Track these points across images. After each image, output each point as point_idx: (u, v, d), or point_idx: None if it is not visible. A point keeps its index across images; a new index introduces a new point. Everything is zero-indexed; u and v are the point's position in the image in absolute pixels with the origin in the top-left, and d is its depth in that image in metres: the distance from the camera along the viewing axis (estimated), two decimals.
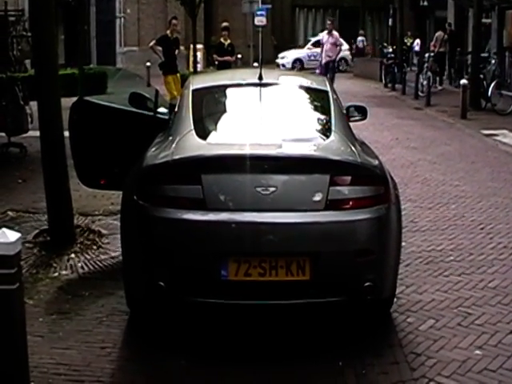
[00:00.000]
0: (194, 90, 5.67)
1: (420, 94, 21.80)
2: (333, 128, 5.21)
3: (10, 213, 7.99)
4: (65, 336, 4.96)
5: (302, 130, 5.26)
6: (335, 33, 21.39)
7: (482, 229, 7.78)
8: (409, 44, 32.28)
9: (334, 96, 5.74)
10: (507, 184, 10.05)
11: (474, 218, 8.23)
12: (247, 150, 4.65)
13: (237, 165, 4.57)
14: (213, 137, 5.14)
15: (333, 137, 5.11)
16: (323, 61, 21.30)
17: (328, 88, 5.84)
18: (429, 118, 17.96)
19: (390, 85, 26.05)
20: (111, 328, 5.11)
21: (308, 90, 6.03)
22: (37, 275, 6.10)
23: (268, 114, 5.42)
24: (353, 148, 4.97)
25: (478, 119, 16.94)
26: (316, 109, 5.79)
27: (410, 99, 21.97)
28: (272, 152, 4.70)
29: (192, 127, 5.12)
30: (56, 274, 6.14)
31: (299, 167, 4.65)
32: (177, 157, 4.72)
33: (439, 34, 26.14)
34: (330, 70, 21.22)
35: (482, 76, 19.30)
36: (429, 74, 21.89)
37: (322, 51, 21.98)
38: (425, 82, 21.69)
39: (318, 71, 21.99)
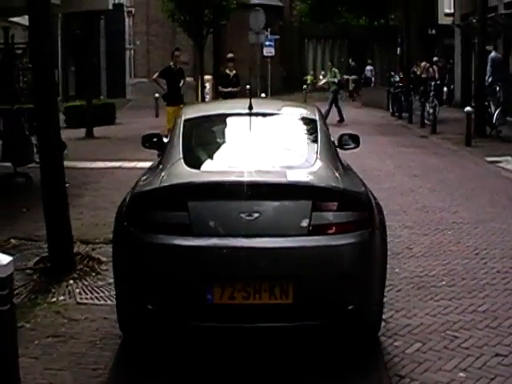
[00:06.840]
0: (185, 120, 5.85)
1: (426, 122, 21.95)
2: (318, 156, 5.35)
3: (12, 240, 8.17)
4: (58, 358, 5.09)
5: (288, 158, 5.41)
6: None
7: (476, 254, 7.83)
8: (418, 73, 32.44)
9: (323, 126, 5.88)
10: (505, 210, 10.11)
11: (469, 243, 8.29)
12: (231, 178, 4.80)
13: (222, 191, 4.71)
14: (200, 165, 5.32)
15: (318, 164, 5.25)
16: None
17: (317, 117, 5.98)
18: (433, 145, 18.08)
19: (397, 113, 26.21)
20: (104, 351, 5.23)
21: (297, 119, 6.19)
22: (35, 300, 6.25)
23: (255, 143, 5.57)
24: (336, 174, 5.10)
25: (483, 146, 17.04)
26: (303, 137, 5.93)
27: (417, 127, 22.15)
28: (255, 179, 4.82)
29: (181, 155, 5.30)
30: (54, 299, 6.29)
31: (282, 193, 4.78)
32: (164, 184, 4.89)
33: (424, 64, 30.21)
34: None
35: (486, 103, 19.45)
36: (435, 102, 22.09)
37: None
38: (431, 110, 21.87)
39: None
